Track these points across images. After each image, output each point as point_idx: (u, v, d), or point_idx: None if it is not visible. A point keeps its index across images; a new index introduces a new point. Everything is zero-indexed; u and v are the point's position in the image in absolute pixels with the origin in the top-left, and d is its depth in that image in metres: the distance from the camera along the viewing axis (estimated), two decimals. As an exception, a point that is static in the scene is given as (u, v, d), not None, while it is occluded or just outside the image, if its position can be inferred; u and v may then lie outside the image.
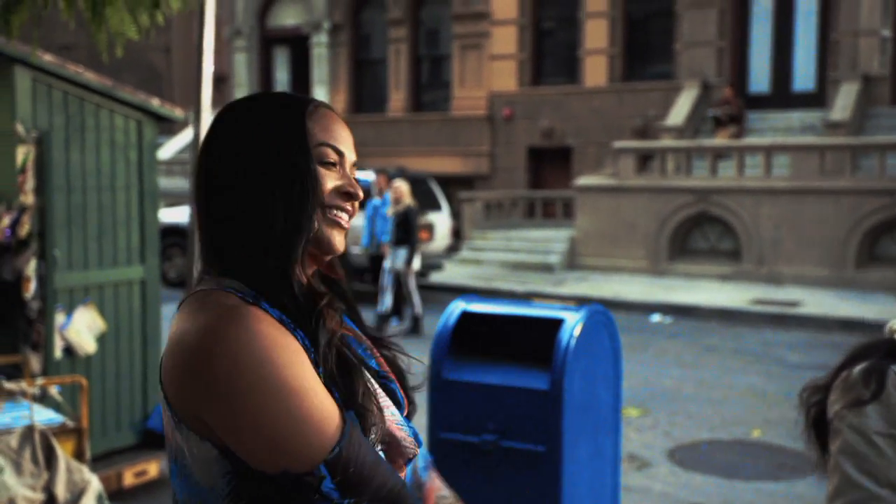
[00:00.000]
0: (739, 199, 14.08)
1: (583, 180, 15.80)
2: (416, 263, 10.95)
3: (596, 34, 18.33)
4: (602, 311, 3.74)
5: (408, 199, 10.93)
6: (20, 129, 4.92)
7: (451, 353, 3.70)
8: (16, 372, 4.79)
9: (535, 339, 3.67)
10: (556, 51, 19.37)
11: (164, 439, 1.33)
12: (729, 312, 11.82)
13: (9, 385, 4.13)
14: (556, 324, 3.58)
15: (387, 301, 10.82)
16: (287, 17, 21.95)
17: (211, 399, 1.20)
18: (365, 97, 21.25)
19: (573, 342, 3.48)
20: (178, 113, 5.94)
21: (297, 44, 21.82)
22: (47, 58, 5.13)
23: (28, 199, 4.95)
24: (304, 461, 1.20)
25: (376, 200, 11.44)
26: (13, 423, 4.04)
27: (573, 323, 3.53)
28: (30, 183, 4.93)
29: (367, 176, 12.60)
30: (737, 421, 7.05)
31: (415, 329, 10.71)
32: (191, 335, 1.22)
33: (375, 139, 19.98)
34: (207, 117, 4.27)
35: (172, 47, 24.27)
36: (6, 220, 4.97)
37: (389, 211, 10.97)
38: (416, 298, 10.84)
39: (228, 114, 1.37)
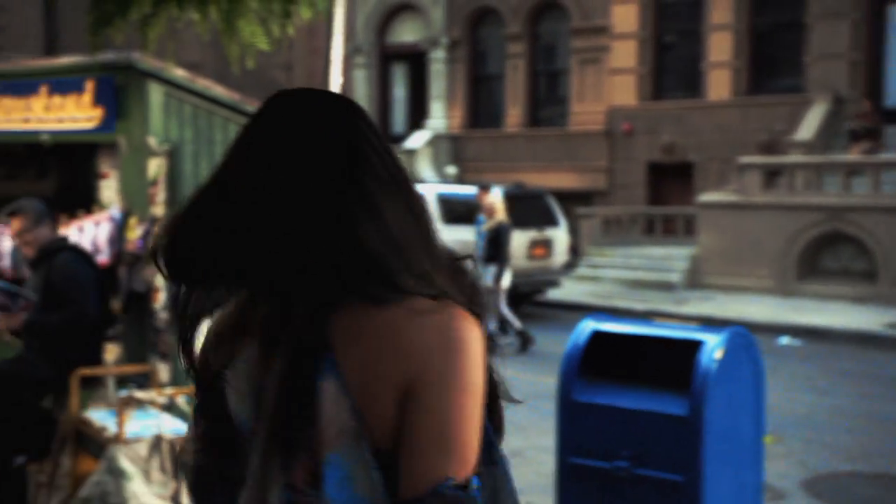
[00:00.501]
0: (875, 218, 13.37)
1: (705, 196, 15.32)
2: (506, 281, 10.68)
3: (720, 47, 17.81)
4: (743, 334, 3.52)
5: (500, 215, 10.73)
6: (153, 142, 5.02)
7: (581, 374, 3.54)
8: (145, 381, 4.86)
9: (671, 361, 3.48)
10: (677, 64, 18.93)
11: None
12: (864, 336, 11.21)
13: (139, 394, 4.19)
14: (695, 345, 3.37)
15: (510, 319, 10.62)
16: (405, 34, 22.17)
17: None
18: (481, 112, 21.23)
19: (714, 366, 3.27)
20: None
21: (415, 60, 22.00)
22: (179, 72, 5.22)
23: (159, 210, 5.03)
24: (470, 470, 1.22)
25: (482, 217, 11.33)
26: (142, 432, 4.08)
27: (714, 345, 3.32)
28: (161, 195, 5.02)
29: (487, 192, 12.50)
30: (879, 452, 6.61)
31: (524, 346, 10.49)
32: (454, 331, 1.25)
33: (492, 154, 19.91)
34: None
35: (294, 65, 24.84)
36: (138, 232, 5.06)
37: (484, 227, 10.83)
38: (510, 316, 10.58)
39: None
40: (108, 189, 6.71)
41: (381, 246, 1.24)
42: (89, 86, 5.35)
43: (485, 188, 11.61)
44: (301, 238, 1.23)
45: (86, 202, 6.74)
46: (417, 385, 1.21)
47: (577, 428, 3.48)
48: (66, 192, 6.76)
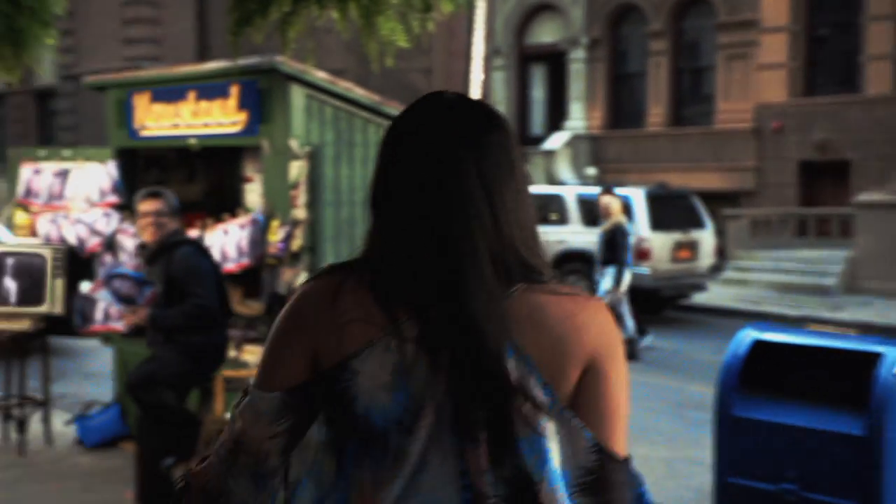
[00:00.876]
0: None
1: (864, 196, 14.45)
2: (625, 285, 10.26)
3: (879, 38, 16.78)
4: (927, 346, 3.17)
5: (617, 216, 10.34)
6: (294, 145, 5.02)
7: (741, 386, 3.27)
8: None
9: (840, 374, 3.17)
10: (831, 58, 17.96)
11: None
12: None
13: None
14: (871, 358, 3.06)
15: (627, 324, 10.24)
16: (544, 34, 21.93)
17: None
18: (622, 112, 20.75)
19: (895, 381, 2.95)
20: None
21: (554, 60, 21.71)
22: (320, 75, 5.21)
23: (300, 213, 5.03)
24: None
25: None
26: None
27: (894, 358, 3.00)
28: (302, 198, 5.01)
29: (627, 192, 12.18)
30: None
31: (630, 354, 10.09)
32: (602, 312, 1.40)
33: (633, 155, 19.42)
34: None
35: (434, 69, 24.99)
36: (280, 234, 5.07)
37: (601, 228, 10.48)
38: (627, 322, 10.17)
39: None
40: (252, 192, 6.81)
41: (524, 242, 1.38)
42: (234, 90, 5.41)
43: (607, 189, 11.26)
44: (471, 241, 1.34)
45: (231, 205, 6.87)
46: (598, 361, 1.34)
47: (737, 445, 3.22)
48: (213, 195, 6.90)
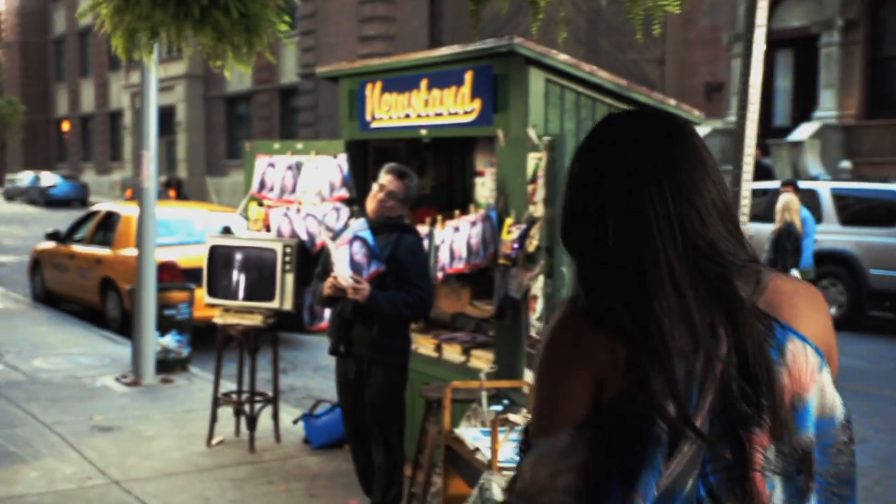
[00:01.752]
0: None
1: None
2: None
3: None
4: None
5: (791, 215, 9.10)
6: (533, 134, 4.56)
7: None
8: (517, 396, 4.42)
9: None
10: None
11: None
12: None
13: (512, 417, 3.73)
14: None
15: None
16: (793, 18, 20.32)
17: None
18: (880, 100, 18.85)
19: None
20: (697, 115, 5.23)
21: (802, 45, 20.08)
22: (562, 57, 4.72)
23: (537, 210, 4.57)
24: None
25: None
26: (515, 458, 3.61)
27: None
28: (540, 193, 4.55)
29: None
30: None
31: None
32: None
33: (893, 147, 17.58)
34: (753, 121, 3.51)
35: (667, 59, 23.90)
36: (514, 233, 4.64)
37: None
38: None
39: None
40: (484, 187, 6.44)
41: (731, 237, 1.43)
42: (468, 77, 5.04)
43: (788, 183, 9.98)
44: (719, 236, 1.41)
45: (461, 201, 6.54)
46: (830, 345, 1.44)
47: None
48: (442, 189, 6.60)
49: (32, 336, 9.83)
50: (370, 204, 4.62)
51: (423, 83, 5.39)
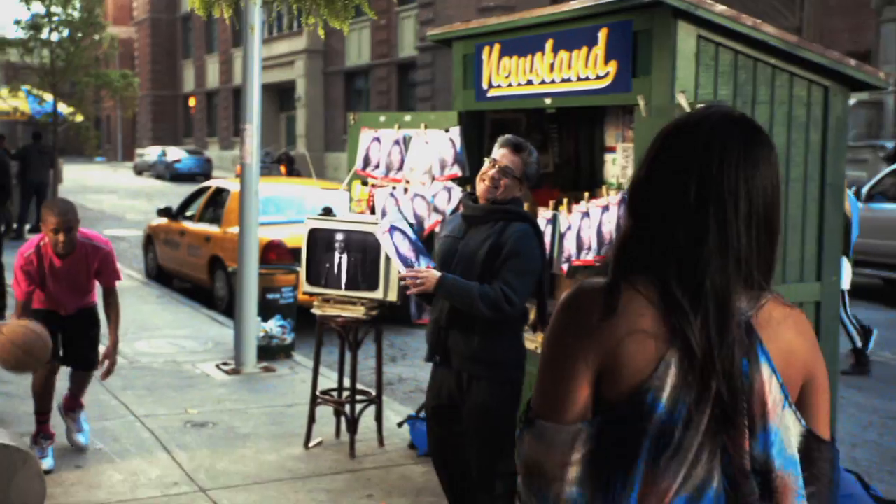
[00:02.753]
0: None
1: None
2: (845, 282, 7.66)
3: None
4: None
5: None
6: (683, 101, 3.77)
7: None
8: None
9: None
10: None
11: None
12: None
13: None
14: None
15: (850, 331, 7.95)
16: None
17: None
18: None
19: None
20: (882, 77, 4.32)
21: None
22: (718, 8, 3.90)
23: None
24: None
25: None
26: None
27: None
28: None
29: None
30: None
31: (858, 366, 7.95)
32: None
33: None
34: None
35: (804, 27, 22.30)
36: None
37: None
38: (849, 328, 7.91)
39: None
40: (615, 165, 5.66)
41: (766, 249, 1.53)
42: (602, 35, 4.27)
43: None
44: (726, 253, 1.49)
45: (588, 181, 5.79)
46: (813, 375, 1.54)
47: None
48: (567, 167, 5.85)
49: (140, 316, 9.58)
50: (480, 185, 3.83)
51: (548, 44, 4.64)
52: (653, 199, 1.52)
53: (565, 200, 4.74)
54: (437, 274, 3.72)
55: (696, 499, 1.44)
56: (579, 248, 4.42)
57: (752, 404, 1.44)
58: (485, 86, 5.13)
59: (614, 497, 1.45)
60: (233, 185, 11.01)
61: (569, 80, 4.52)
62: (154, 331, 8.89)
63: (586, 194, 4.68)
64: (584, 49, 4.40)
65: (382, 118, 5.70)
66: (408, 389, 7.30)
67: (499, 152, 3.87)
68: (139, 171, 44.29)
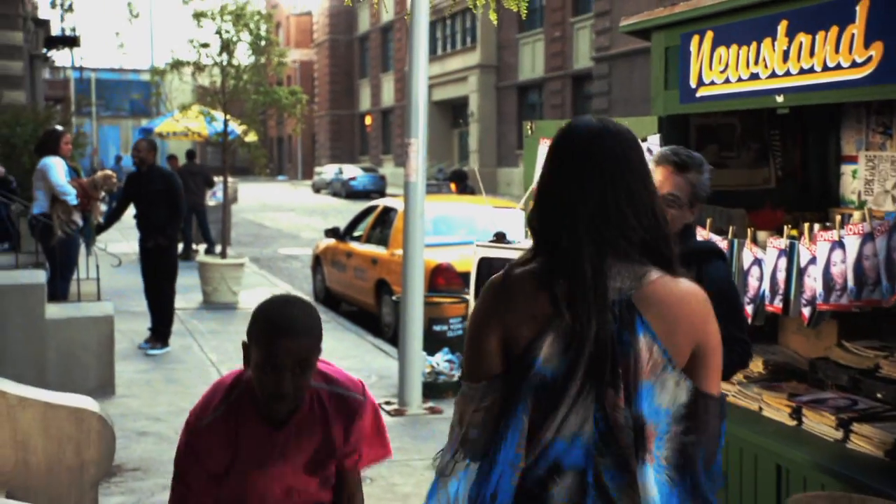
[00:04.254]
0: None
1: None
2: None
3: None
4: None
5: None
6: None
7: None
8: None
9: None
10: None
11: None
12: None
13: None
14: None
15: None
16: None
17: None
18: None
19: None
20: None
21: None
22: None
23: None
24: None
25: None
26: None
27: None
28: None
29: None
30: None
31: None
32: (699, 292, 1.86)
33: None
34: None
35: None
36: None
37: None
38: None
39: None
40: (857, 180, 4.55)
41: (652, 231, 1.84)
42: (861, 9, 3.24)
43: None
44: (622, 234, 1.81)
45: (819, 201, 4.72)
46: (701, 345, 1.81)
47: None
48: (791, 183, 4.79)
49: (303, 343, 9.09)
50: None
51: (781, 27, 3.64)
52: (546, 197, 1.89)
53: (806, 226, 3.71)
54: None
55: (570, 444, 1.78)
56: (828, 288, 3.37)
57: (627, 367, 1.75)
58: (693, 84, 4.17)
59: (502, 436, 1.82)
60: (401, 205, 10.40)
61: (810, 71, 3.49)
62: (316, 361, 8.34)
63: (836, 217, 3.63)
64: (834, 29, 3.37)
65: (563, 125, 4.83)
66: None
67: (657, 174, 2.99)
68: (317, 189, 45.23)
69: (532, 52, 35.91)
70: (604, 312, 1.74)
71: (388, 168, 47.91)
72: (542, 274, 1.80)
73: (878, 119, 4.52)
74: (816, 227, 3.76)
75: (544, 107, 34.67)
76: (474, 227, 10.38)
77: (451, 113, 42.82)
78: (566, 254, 1.78)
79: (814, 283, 3.46)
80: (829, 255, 3.39)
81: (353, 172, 41.41)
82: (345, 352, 8.75)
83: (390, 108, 49.84)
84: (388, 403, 6.83)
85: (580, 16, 32.54)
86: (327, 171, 44.75)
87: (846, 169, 4.67)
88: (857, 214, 4.01)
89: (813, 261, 3.48)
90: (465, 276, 8.92)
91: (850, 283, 3.27)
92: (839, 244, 3.35)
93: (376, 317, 10.16)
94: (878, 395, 3.83)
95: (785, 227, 3.82)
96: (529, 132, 4.99)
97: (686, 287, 1.80)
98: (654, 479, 1.75)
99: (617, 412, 1.73)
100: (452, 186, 13.67)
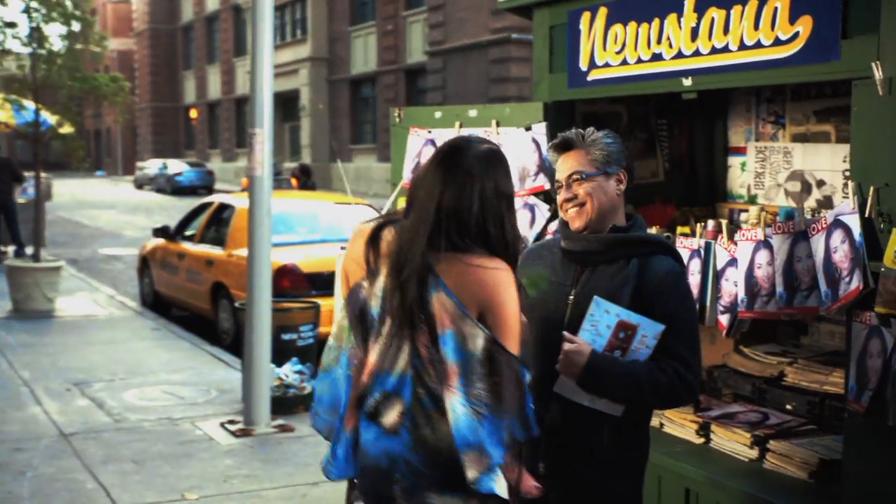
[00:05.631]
0: None
1: None
2: None
3: None
4: None
5: None
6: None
7: None
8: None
9: None
10: None
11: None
12: None
13: None
14: None
15: None
16: None
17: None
18: None
19: None
20: None
21: None
22: None
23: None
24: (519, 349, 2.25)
25: None
26: None
27: None
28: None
29: None
30: None
31: None
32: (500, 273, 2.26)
33: None
34: None
35: None
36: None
37: None
38: None
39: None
40: (745, 173, 4.28)
41: (463, 223, 2.25)
42: (788, -20, 2.88)
43: None
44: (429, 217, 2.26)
45: (707, 195, 4.44)
46: (488, 306, 2.20)
47: None
48: (677, 175, 4.48)
49: (131, 355, 8.20)
50: (564, 211, 2.65)
51: (689, 1, 3.26)
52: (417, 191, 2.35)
53: (711, 223, 3.35)
54: (588, 347, 2.41)
55: (390, 375, 2.24)
56: (752, 293, 3.01)
57: (431, 315, 2.20)
58: (583, 66, 3.75)
59: (344, 353, 2.38)
60: (238, 201, 9.63)
61: (724, 51, 3.13)
62: (147, 375, 7.49)
63: (763, 215, 3.29)
64: (753, 3, 3.01)
65: (438, 114, 4.32)
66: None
67: (557, 165, 2.67)
68: (140, 184, 43.01)
69: (364, 46, 35.31)
70: (406, 270, 2.21)
71: (216, 163, 46.12)
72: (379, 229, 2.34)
73: (770, 108, 4.26)
74: (710, 223, 3.43)
75: (378, 101, 34.16)
76: (317, 225, 9.74)
77: (281, 107, 41.66)
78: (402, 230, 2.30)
79: (734, 287, 3.10)
80: (752, 257, 3.03)
81: (178, 167, 39.56)
82: (179, 363, 7.92)
83: (217, 100, 47.99)
84: (231, 422, 6.12)
85: (413, 10, 32.21)
86: (150, 166, 42.61)
87: (734, 161, 4.40)
88: (752, 210, 3.71)
89: (732, 262, 3.12)
90: (313, 277, 8.29)
91: (780, 287, 2.92)
92: (765, 244, 2.99)
93: (213, 322, 9.35)
94: (788, 407, 3.53)
95: (699, 223, 3.45)
96: (397, 120, 4.45)
97: (479, 261, 2.21)
98: (460, 411, 2.13)
99: (426, 350, 2.19)
100: (294, 181, 12.93)
